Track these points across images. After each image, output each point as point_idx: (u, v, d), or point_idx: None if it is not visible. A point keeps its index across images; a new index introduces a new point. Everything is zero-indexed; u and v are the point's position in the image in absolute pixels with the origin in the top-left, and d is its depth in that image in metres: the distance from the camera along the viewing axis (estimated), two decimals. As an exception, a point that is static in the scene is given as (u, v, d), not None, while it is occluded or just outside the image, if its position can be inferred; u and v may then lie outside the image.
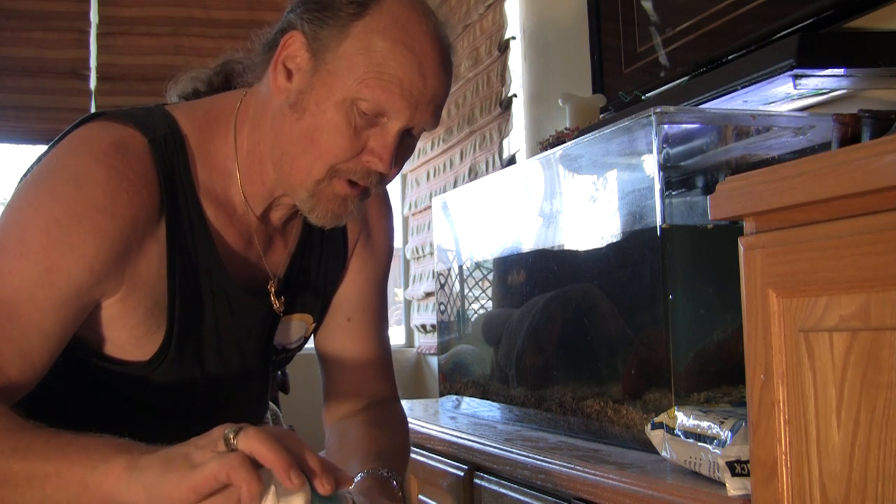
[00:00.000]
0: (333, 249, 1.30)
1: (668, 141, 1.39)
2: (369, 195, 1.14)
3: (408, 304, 3.94)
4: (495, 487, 1.62)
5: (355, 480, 1.13)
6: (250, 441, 0.83)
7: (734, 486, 1.05)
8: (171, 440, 1.19)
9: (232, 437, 0.84)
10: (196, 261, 1.13)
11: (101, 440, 0.92)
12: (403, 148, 1.12)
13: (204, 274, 1.14)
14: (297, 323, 1.29)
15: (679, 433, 1.19)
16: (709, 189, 1.49)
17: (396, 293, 4.10)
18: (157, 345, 1.13)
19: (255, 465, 0.83)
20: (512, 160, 2.93)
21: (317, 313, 1.31)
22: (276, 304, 1.21)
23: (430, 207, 3.31)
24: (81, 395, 1.16)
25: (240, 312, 1.18)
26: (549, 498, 1.43)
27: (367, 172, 1.09)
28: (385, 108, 1.07)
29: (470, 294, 2.14)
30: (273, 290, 1.21)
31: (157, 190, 1.09)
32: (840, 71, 1.47)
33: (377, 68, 1.05)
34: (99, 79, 3.76)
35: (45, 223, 1.03)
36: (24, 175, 1.12)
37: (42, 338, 1.03)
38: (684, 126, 1.45)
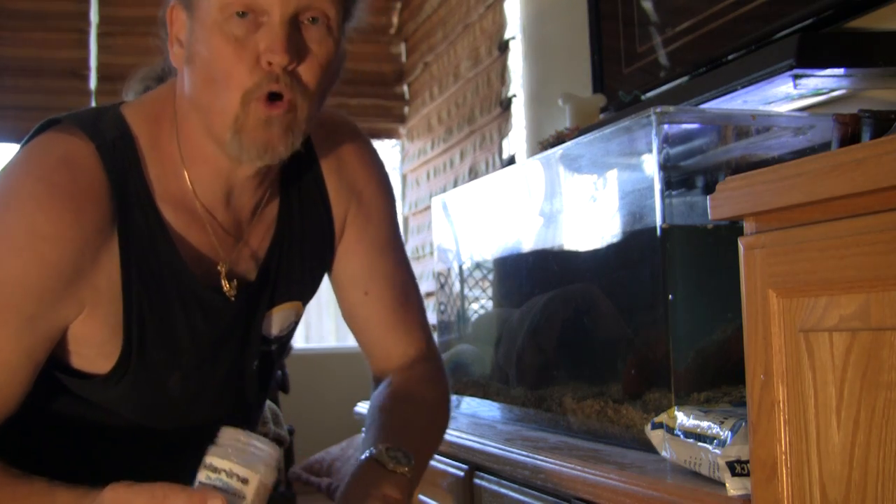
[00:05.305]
0: (318, 229, 1.24)
1: (668, 141, 1.39)
2: (295, 109, 1.05)
3: (408, 304, 3.93)
4: (495, 487, 1.62)
5: (361, 458, 1.11)
6: None
7: (734, 486, 1.05)
8: (156, 454, 1.18)
9: None
10: (159, 269, 1.10)
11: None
12: (311, 41, 1.04)
13: (169, 281, 1.10)
14: (285, 313, 1.24)
15: (679, 433, 1.18)
16: (709, 189, 1.49)
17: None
18: (115, 359, 1.10)
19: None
20: (512, 160, 2.93)
21: (306, 297, 1.27)
22: (227, 287, 1.15)
23: (429, 207, 3.31)
24: (57, 412, 1.14)
25: (213, 314, 1.14)
26: (549, 498, 1.43)
27: (273, 75, 1.02)
28: (252, 2, 1.01)
29: (470, 294, 2.14)
30: (224, 270, 1.15)
31: (108, 201, 1.06)
32: (840, 71, 1.47)
33: None
34: (99, 79, 3.77)
35: None
36: None
37: (8, 372, 1.03)
38: (684, 126, 1.45)
